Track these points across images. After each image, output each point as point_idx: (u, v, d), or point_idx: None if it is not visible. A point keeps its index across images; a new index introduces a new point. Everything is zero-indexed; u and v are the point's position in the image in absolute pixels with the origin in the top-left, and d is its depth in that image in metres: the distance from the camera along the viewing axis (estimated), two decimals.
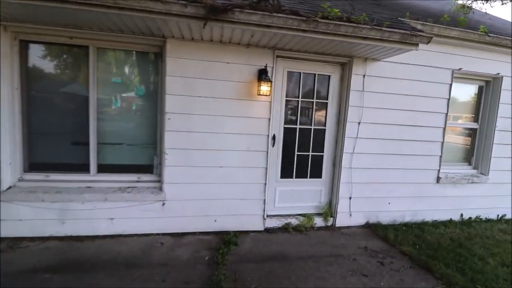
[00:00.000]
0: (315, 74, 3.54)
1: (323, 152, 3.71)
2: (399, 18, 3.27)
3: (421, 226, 3.79)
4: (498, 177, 4.17)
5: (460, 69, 3.80)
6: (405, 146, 3.78)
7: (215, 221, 3.37)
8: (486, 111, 4.18)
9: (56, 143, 3.14)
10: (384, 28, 2.68)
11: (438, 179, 3.95)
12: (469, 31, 3.53)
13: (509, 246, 3.38)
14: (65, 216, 3.01)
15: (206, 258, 2.77)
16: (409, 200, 3.92)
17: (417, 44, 2.87)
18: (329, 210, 3.75)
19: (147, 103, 3.26)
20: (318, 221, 3.68)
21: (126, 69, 3.17)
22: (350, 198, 3.70)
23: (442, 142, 3.90)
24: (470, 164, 4.34)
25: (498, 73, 3.96)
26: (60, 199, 2.96)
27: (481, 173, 4.23)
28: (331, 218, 3.72)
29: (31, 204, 2.92)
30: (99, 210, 3.08)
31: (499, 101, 4.04)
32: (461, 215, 4.15)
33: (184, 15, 2.36)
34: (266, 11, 2.44)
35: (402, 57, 3.49)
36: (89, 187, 3.13)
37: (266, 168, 3.41)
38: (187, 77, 3.08)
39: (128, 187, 3.20)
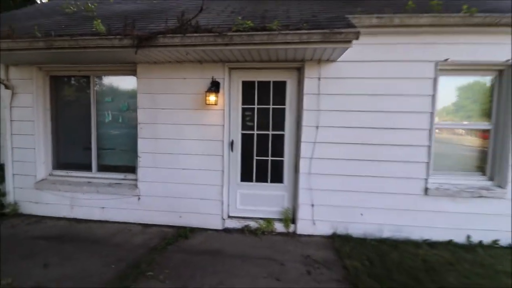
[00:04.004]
0: (270, 81, 3.64)
1: (283, 157, 3.71)
2: (346, 16, 3.10)
3: (399, 244, 3.27)
4: None
5: (446, 59, 3.21)
6: (377, 151, 3.40)
7: (180, 217, 3.81)
8: (502, 107, 3.32)
9: (73, 148, 4.24)
10: (300, 32, 2.68)
11: (426, 190, 3.35)
12: (445, 15, 3.00)
13: (504, 279, 2.61)
14: (74, 203, 4.02)
15: (152, 245, 3.24)
16: (388, 213, 3.45)
17: (348, 41, 2.71)
18: (290, 216, 3.69)
19: (131, 116, 4.04)
20: (279, 227, 3.67)
21: (115, 90, 4.04)
22: (312, 205, 3.56)
23: (429, 146, 3.32)
24: (484, 174, 3.48)
25: (508, 60, 3.14)
26: (69, 190, 3.98)
27: (498, 186, 3.34)
28: (292, 225, 3.64)
29: (53, 192, 4.03)
30: (94, 200, 3.97)
31: None
32: (468, 237, 3.36)
33: (123, 46, 3.00)
34: (186, 33, 2.84)
35: (366, 54, 3.30)
36: (89, 182, 4.07)
37: (223, 171, 3.67)
38: (153, 93, 3.71)
39: (115, 183, 4.00)
